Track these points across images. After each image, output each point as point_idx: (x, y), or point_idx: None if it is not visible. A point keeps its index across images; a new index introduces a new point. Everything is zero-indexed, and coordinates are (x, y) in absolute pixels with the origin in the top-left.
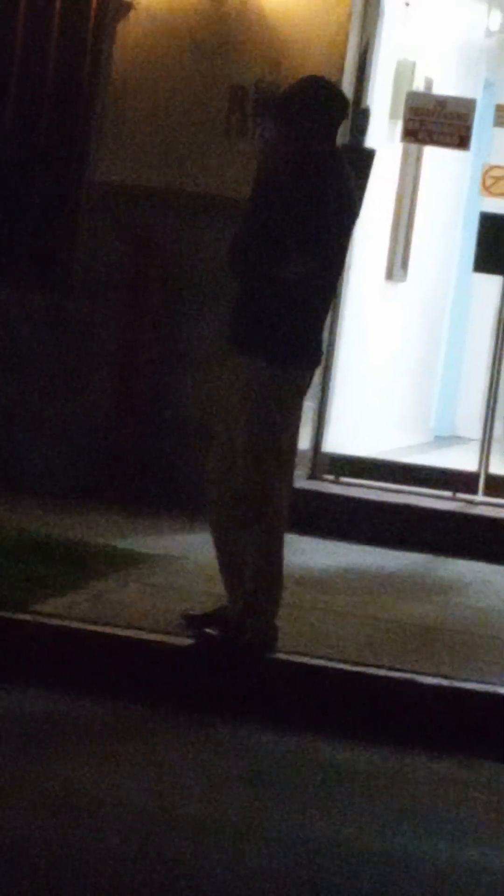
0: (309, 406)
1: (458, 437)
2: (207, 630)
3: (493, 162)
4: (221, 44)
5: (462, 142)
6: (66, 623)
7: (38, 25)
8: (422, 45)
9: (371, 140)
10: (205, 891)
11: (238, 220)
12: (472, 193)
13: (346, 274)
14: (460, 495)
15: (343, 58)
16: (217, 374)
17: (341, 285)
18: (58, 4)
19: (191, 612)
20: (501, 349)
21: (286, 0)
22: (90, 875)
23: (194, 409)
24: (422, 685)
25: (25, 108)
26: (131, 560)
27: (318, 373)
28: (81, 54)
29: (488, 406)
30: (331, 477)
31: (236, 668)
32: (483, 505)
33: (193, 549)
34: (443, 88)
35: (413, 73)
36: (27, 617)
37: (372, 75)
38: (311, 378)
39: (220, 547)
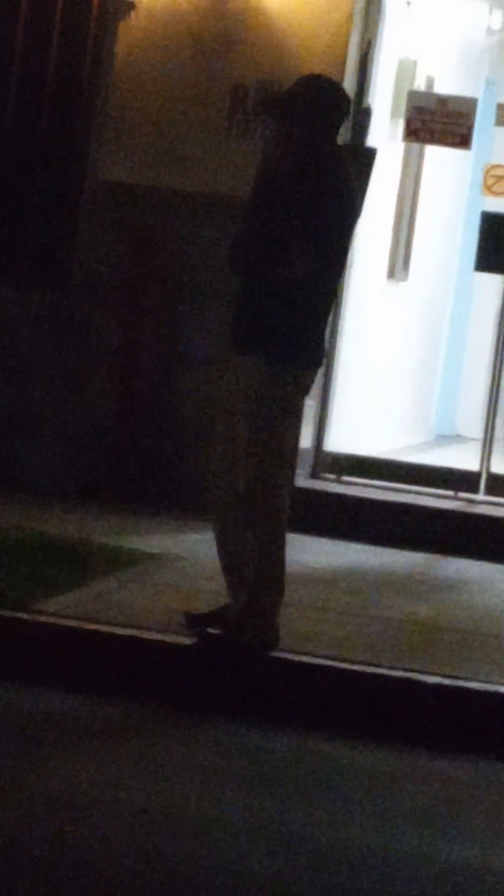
0: (310, 405)
1: (460, 437)
2: (209, 629)
3: (495, 161)
4: (222, 43)
5: (463, 141)
6: (67, 622)
7: (39, 25)
8: (423, 44)
9: (372, 139)
10: (205, 891)
11: (239, 219)
12: (473, 193)
13: (348, 273)
14: (462, 494)
15: (344, 57)
16: (218, 374)
17: (342, 285)
18: (59, 4)
19: (192, 612)
20: (503, 348)
21: None
22: (90, 875)
23: (194, 409)
24: (423, 684)
25: (26, 108)
26: (132, 559)
27: (319, 372)
28: (82, 54)
29: (490, 405)
30: (332, 476)
31: (237, 667)
32: (484, 504)
33: (194, 548)
34: (444, 87)
35: (414, 72)
36: (28, 616)
37: (373, 74)
38: (312, 378)
39: (222, 546)
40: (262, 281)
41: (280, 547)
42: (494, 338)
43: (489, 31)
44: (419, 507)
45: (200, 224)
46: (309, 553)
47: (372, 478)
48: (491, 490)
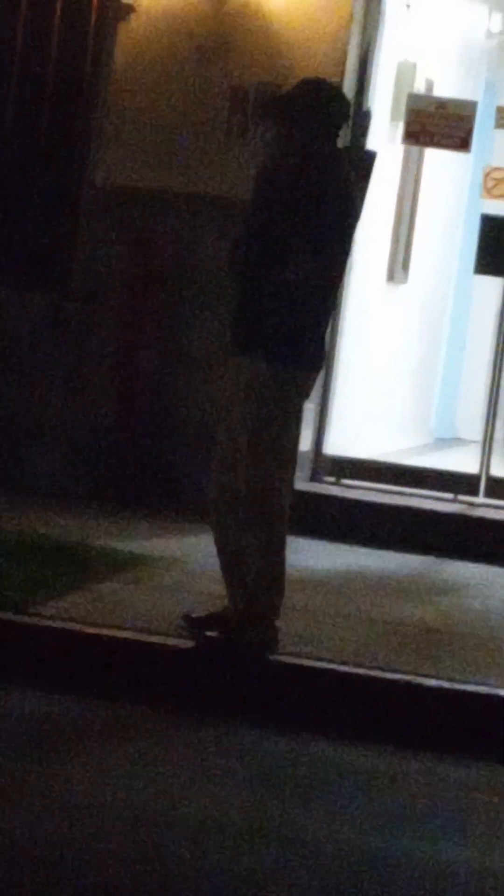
0: (310, 408)
1: (459, 439)
2: (208, 631)
3: (494, 164)
4: (222, 45)
5: (463, 143)
6: (67, 624)
7: (39, 26)
8: (423, 47)
9: (372, 142)
10: (205, 891)
11: (239, 221)
12: (472, 195)
13: (347, 276)
14: (461, 497)
15: (344, 59)
16: (218, 375)
17: (342, 287)
18: (59, 5)
19: (191, 614)
20: (502, 351)
21: (287, 1)
22: (90, 875)
23: (194, 410)
24: (422, 687)
25: (26, 109)
26: (131, 561)
27: (319, 374)
28: (82, 55)
29: (489, 407)
30: (332, 479)
31: (237, 669)
32: (484, 507)
33: (194, 550)
34: (443, 90)
35: (414, 74)
36: (27, 618)
37: (373, 77)
38: (313, 380)
39: (222, 548)
40: (262, 283)
41: (280, 548)
42: (494, 340)
43: (489, 34)
44: (418, 510)
45: (200, 225)
46: (308, 556)
47: (371, 480)
48: (490, 493)
